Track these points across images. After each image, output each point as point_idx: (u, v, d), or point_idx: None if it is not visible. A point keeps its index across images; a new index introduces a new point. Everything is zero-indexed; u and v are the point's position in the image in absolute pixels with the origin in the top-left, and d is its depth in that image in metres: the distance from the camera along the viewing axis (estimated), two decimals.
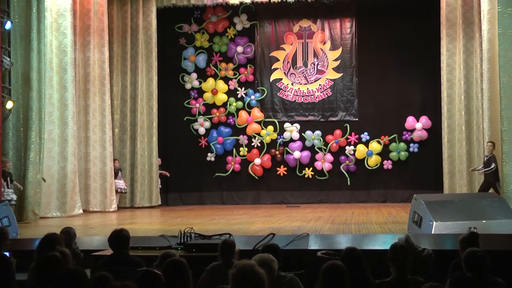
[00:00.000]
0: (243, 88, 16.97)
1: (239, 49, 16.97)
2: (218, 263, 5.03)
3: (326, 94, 16.68)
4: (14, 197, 11.98)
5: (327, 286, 3.80)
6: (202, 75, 17.10)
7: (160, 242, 6.55)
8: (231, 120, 16.96)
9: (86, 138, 14.87)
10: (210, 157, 16.81)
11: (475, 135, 14.71)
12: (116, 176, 15.26)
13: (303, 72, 16.78)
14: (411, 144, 16.21)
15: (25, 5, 12.82)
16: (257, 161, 16.67)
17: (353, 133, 16.48)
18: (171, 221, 11.80)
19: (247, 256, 4.55)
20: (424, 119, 16.12)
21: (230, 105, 16.92)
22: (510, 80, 11.41)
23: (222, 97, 16.91)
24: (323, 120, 16.69)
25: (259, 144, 16.80)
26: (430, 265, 5.63)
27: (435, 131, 15.78)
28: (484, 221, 8.18)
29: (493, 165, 12.39)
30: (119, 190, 15.37)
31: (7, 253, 5.04)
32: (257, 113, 16.81)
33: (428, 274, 5.26)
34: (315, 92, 16.70)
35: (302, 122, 16.72)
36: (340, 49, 16.66)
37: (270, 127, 16.74)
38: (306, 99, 16.74)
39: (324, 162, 16.45)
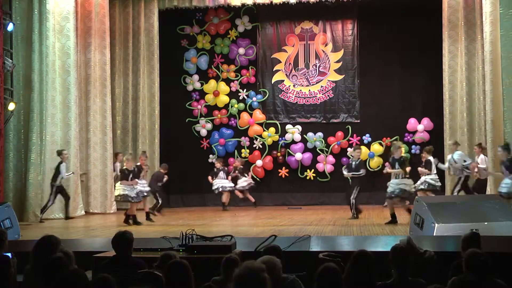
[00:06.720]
0: (245, 90, 16.98)
1: (241, 50, 16.98)
2: (219, 278, 4.64)
3: (328, 96, 16.67)
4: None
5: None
6: (204, 77, 17.10)
7: (162, 244, 6.54)
8: (232, 121, 16.96)
9: (87, 139, 14.87)
10: (212, 158, 16.80)
11: (477, 137, 14.67)
12: (216, 176, 15.23)
13: (305, 74, 16.77)
14: (413, 146, 16.19)
15: (27, 7, 12.86)
16: (259, 162, 16.67)
17: (354, 135, 16.47)
18: (173, 223, 11.80)
19: (248, 258, 4.55)
20: (426, 121, 16.10)
21: (231, 106, 16.92)
22: None
23: (223, 99, 16.90)
24: (324, 122, 16.68)
25: (260, 146, 16.80)
26: (431, 267, 5.61)
27: (437, 133, 15.75)
28: (486, 223, 8.18)
29: (361, 171, 12.11)
30: (221, 189, 15.20)
31: (9, 254, 5.04)
32: (258, 115, 16.81)
33: (430, 276, 5.25)
34: (317, 93, 16.69)
35: (303, 123, 16.72)
36: (342, 50, 16.65)
37: (272, 129, 16.74)
38: (307, 101, 16.73)
39: (326, 164, 16.44)
